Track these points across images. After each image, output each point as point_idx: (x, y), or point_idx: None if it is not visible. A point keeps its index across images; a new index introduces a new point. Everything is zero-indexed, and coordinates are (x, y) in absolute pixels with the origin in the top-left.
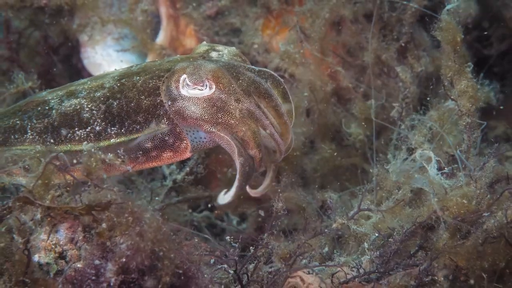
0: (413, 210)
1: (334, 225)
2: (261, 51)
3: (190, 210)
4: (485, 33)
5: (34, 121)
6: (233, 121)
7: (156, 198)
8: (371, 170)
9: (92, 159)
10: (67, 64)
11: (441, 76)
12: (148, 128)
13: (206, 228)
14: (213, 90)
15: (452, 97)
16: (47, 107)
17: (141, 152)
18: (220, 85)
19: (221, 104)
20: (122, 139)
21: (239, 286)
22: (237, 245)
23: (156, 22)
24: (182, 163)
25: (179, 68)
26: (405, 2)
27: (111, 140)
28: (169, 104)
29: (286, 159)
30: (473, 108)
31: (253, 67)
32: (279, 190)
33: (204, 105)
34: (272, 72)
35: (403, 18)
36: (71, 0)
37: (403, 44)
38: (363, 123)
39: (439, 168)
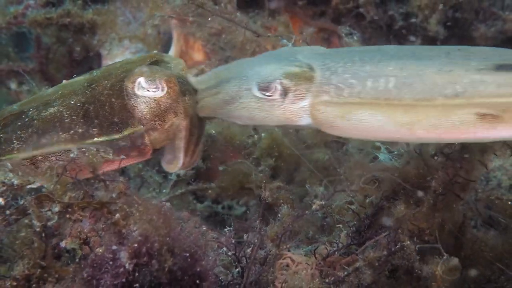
0: (380, 186)
1: (314, 207)
2: None
3: (194, 201)
4: None
5: (19, 132)
6: (159, 128)
7: (164, 191)
8: (338, 170)
9: (90, 155)
10: None
11: None
12: (128, 128)
13: (209, 217)
14: (164, 92)
15: None
16: (27, 119)
17: (114, 151)
18: (171, 90)
19: (165, 108)
20: (104, 138)
21: (239, 267)
22: (231, 229)
23: (168, 38)
24: None
25: (136, 71)
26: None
27: (94, 139)
28: (126, 100)
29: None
30: None
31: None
32: (264, 181)
33: (152, 105)
34: None
35: None
36: (92, 19)
37: None
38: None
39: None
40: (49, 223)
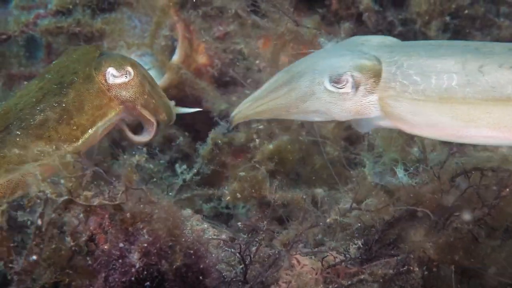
0: (393, 208)
1: (328, 220)
2: (262, 67)
3: (200, 202)
4: None
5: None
6: (146, 97)
7: (170, 194)
8: (351, 172)
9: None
10: None
11: None
12: (110, 114)
13: (214, 216)
14: (133, 74)
15: None
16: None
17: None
18: (136, 70)
19: (140, 83)
20: (94, 128)
21: (243, 265)
22: (245, 234)
23: (173, 42)
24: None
25: (104, 63)
26: None
27: (89, 131)
28: (106, 91)
29: (281, 162)
30: None
31: None
32: (275, 185)
33: (131, 88)
34: None
35: None
36: (101, 28)
37: None
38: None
39: (406, 169)
40: (81, 240)
